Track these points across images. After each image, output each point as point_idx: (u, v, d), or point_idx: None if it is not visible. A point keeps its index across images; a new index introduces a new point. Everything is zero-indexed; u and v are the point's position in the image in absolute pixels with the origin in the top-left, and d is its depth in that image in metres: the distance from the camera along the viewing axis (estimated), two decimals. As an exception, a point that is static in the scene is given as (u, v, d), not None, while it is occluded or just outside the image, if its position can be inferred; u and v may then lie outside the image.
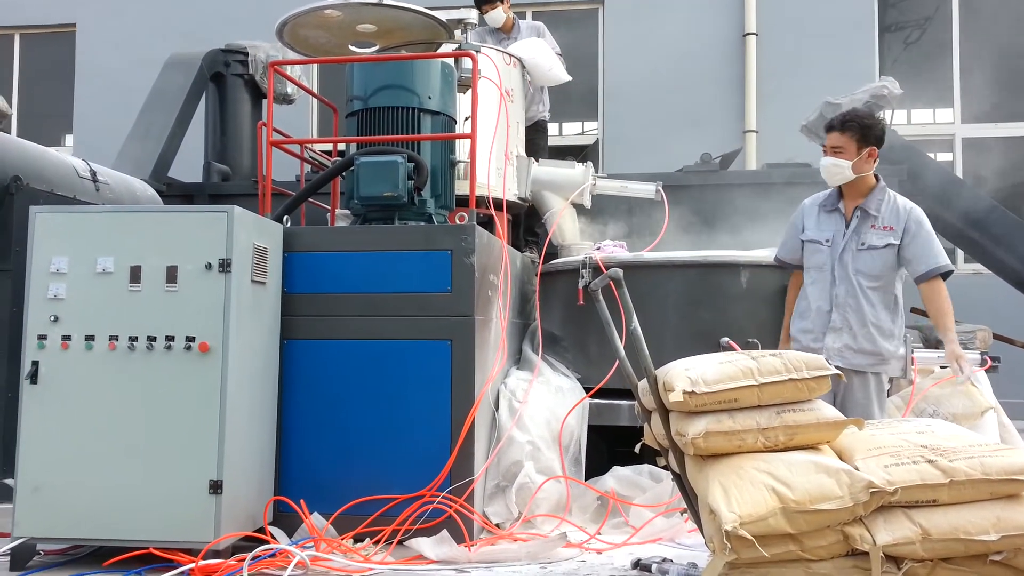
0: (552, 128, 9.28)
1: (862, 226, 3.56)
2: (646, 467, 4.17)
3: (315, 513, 3.66)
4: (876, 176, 3.62)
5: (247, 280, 3.51)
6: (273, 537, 3.52)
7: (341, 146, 5.18)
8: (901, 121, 9.12)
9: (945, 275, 3.57)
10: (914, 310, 7.32)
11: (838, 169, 3.52)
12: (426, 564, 3.38)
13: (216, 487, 3.30)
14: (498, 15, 5.85)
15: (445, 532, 3.53)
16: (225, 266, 3.38)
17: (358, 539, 3.62)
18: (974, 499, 2.46)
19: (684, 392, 2.57)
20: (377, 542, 3.57)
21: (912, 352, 4.27)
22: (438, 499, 3.62)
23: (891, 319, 3.59)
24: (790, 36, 8.86)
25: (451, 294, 3.83)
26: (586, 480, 4.20)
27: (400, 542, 3.56)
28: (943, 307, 3.53)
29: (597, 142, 9.13)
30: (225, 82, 6.93)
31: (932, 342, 5.19)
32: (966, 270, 8.61)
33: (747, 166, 8.38)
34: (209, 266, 3.39)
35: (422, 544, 3.46)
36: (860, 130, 3.47)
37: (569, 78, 5.72)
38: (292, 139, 5.02)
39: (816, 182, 5.93)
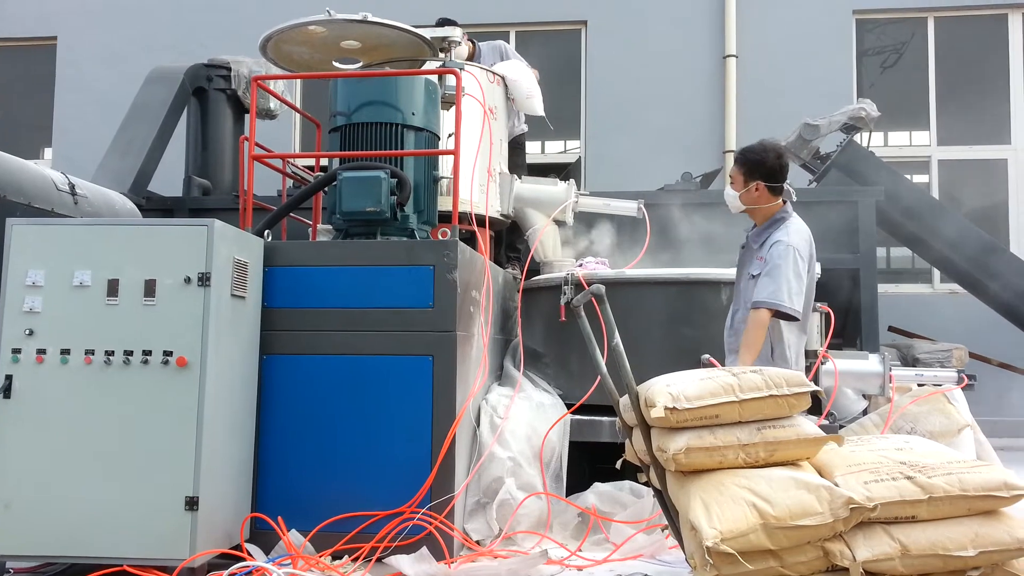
0: (535, 147, 9.35)
1: (749, 256, 3.62)
2: (627, 483, 4.16)
3: (293, 530, 3.62)
4: (786, 209, 3.57)
5: (227, 294, 3.48)
6: (250, 554, 3.47)
7: (324, 161, 5.18)
8: (879, 143, 9.26)
9: (785, 316, 3.38)
10: (891, 329, 7.44)
11: (730, 199, 3.65)
12: (405, 582, 3.35)
13: (192, 503, 3.25)
14: (461, 51, 5.79)
15: (425, 549, 3.49)
16: (204, 280, 3.35)
17: (337, 556, 3.57)
18: (952, 515, 2.47)
19: (666, 408, 2.58)
20: (356, 559, 3.53)
21: (890, 370, 4.32)
22: (418, 516, 3.59)
23: (773, 343, 3.46)
24: (769, 58, 9.00)
25: (433, 309, 3.82)
26: (567, 496, 4.18)
27: (379, 559, 3.52)
28: (750, 338, 3.35)
29: (579, 160, 9.19)
30: (207, 96, 6.90)
31: (910, 360, 5.25)
32: (942, 290, 8.72)
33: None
34: (188, 280, 3.36)
35: (401, 561, 3.42)
36: (745, 164, 3.56)
37: (543, 114, 5.76)
38: (274, 153, 5.00)
39: (798, 201, 6.01)
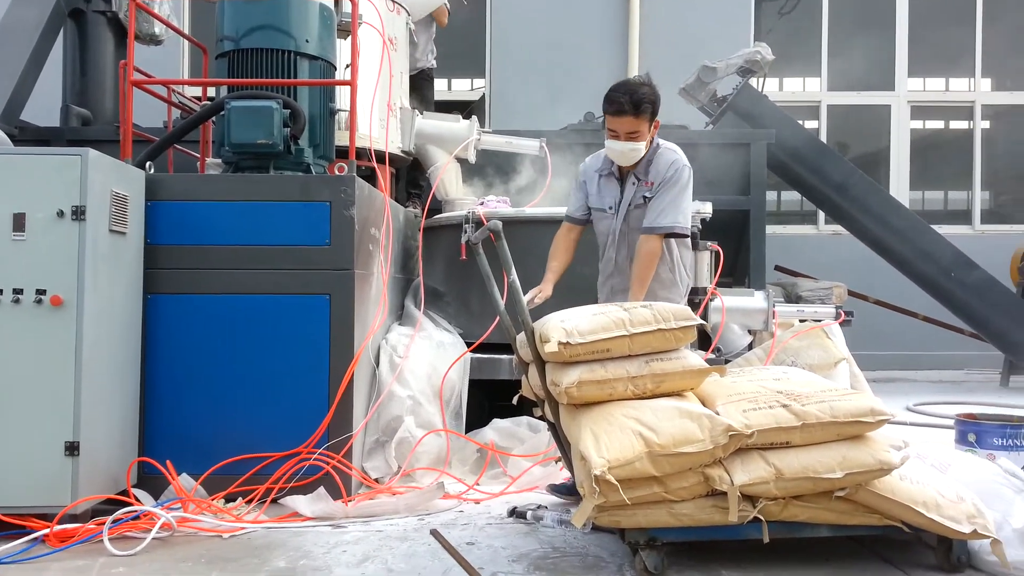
0: (442, 83, 9.17)
1: (637, 190, 3.44)
2: (525, 419, 4.25)
3: (184, 474, 3.52)
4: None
5: (104, 230, 3.29)
6: (137, 499, 3.37)
7: (212, 91, 4.91)
8: (775, 88, 9.53)
9: (677, 236, 3.41)
10: (778, 268, 7.79)
11: (635, 153, 3.33)
12: (301, 521, 3.33)
13: (72, 448, 3.11)
14: None
15: (322, 489, 3.47)
16: (79, 214, 3.15)
17: (230, 499, 3.51)
18: (824, 440, 2.64)
19: (559, 343, 2.62)
20: (250, 501, 3.49)
21: (774, 307, 4.53)
22: (314, 456, 3.56)
23: (668, 269, 3.49)
24: (671, 1, 9.06)
25: (330, 247, 3.72)
26: (467, 433, 4.24)
27: (275, 501, 3.48)
28: (645, 272, 3.32)
29: (483, 98, 9.08)
30: (85, 19, 6.38)
31: (794, 298, 5.52)
32: (827, 231, 9.17)
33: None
34: (61, 214, 3.14)
35: (297, 502, 3.40)
36: (653, 109, 3.28)
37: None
38: (156, 79, 4.70)
39: (692, 143, 6.12)
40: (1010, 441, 3.47)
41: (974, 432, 3.54)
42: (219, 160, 4.14)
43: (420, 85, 6.21)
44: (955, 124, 10.06)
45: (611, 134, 3.33)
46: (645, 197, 3.41)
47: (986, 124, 9.88)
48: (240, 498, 3.51)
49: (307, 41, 4.10)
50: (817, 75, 9.64)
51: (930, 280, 7.36)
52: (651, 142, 3.42)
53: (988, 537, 2.63)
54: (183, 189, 3.75)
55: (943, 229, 7.89)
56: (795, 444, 2.61)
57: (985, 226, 9.60)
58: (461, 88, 9.70)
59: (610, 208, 3.51)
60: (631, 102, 3.25)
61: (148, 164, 3.84)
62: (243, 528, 3.22)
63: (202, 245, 3.70)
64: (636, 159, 3.38)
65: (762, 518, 2.57)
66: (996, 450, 3.45)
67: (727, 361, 4.55)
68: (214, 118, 4.17)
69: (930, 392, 7.20)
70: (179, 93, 5.66)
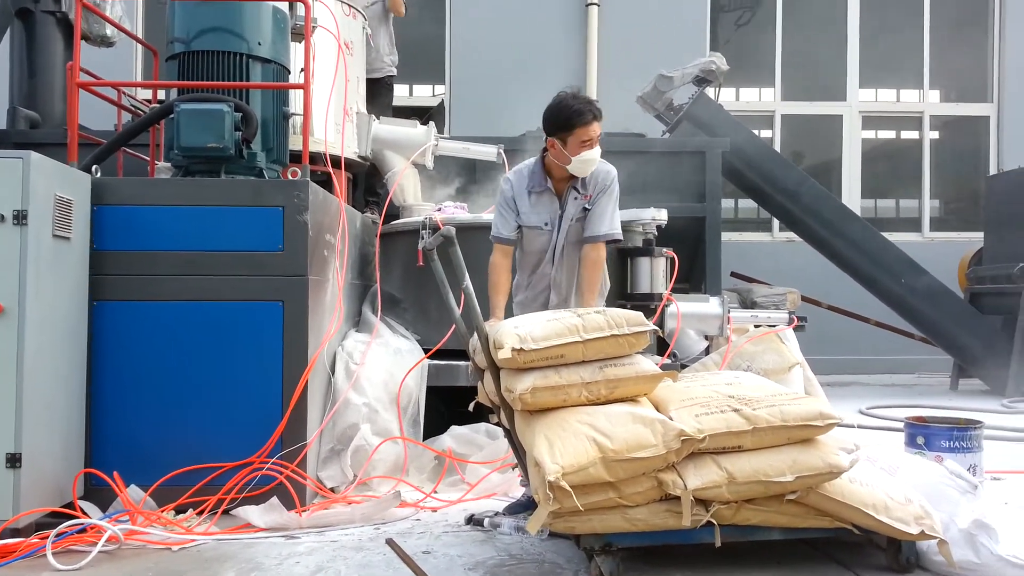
0: (404, 89, 9.13)
1: (577, 203, 3.40)
2: (483, 426, 4.23)
3: (133, 485, 3.43)
4: None
5: (47, 235, 3.19)
6: (83, 512, 3.27)
7: (163, 94, 4.81)
8: (731, 98, 9.68)
9: (611, 243, 3.45)
10: (734, 274, 7.89)
11: (596, 160, 3.30)
12: (254, 532, 3.26)
13: (14, 460, 3.01)
14: None
15: (275, 499, 3.41)
16: (20, 218, 3.05)
17: (181, 510, 3.43)
18: (774, 444, 2.66)
19: (513, 349, 2.61)
20: (201, 512, 3.41)
21: (729, 312, 4.58)
22: (267, 465, 3.49)
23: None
24: (630, 8, 9.14)
25: (283, 253, 3.67)
26: (425, 440, 4.20)
27: (227, 512, 3.41)
28: (596, 278, 3.37)
29: (442, 104, 9.06)
30: (34, 19, 6.22)
31: (749, 303, 5.59)
32: (780, 238, 9.33)
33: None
34: (2, 218, 3.05)
35: (249, 512, 3.33)
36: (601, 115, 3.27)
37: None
38: (103, 81, 4.59)
39: (649, 150, 6.18)
40: (957, 443, 3.54)
41: (923, 435, 3.60)
42: (169, 164, 4.06)
43: (380, 92, 6.17)
44: (905, 134, 10.32)
45: (584, 144, 3.25)
46: (585, 209, 3.40)
47: (935, 134, 10.16)
48: (191, 509, 3.43)
49: (260, 44, 4.04)
50: (772, 85, 9.82)
51: (881, 286, 7.52)
52: None
53: (935, 538, 2.67)
54: (131, 193, 3.66)
55: (893, 236, 8.07)
56: (747, 448, 2.63)
57: (934, 233, 9.85)
58: (423, 94, 9.67)
59: (546, 224, 3.43)
60: (593, 109, 3.25)
61: (95, 168, 3.74)
62: (193, 540, 3.14)
63: (151, 251, 3.62)
64: (593, 166, 3.35)
65: (715, 522, 2.59)
66: (944, 452, 3.51)
67: (684, 366, 4.59)
68: (164, 121, 4.09)
69: (882, 396, 7.34)
70: (130, 96, 5.55)
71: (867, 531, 2.72)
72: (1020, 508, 3.47)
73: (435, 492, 3.79)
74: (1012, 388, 7.22)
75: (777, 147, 9.41)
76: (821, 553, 2.93)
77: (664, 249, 4.58)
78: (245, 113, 3.82)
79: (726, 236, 7.22)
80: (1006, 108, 9.79)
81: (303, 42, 4.15)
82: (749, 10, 9.98)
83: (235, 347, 3.63)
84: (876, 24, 9.87)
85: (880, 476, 2.87)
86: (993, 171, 9.59)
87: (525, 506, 3.49)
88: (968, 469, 3.29)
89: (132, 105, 5.41)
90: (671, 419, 2.58)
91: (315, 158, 4.57)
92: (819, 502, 2.65)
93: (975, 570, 2.66)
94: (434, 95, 9.53)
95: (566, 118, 3.24)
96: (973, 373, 7.82)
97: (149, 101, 5.12)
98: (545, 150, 3.38)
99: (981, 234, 8.47)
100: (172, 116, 3.80)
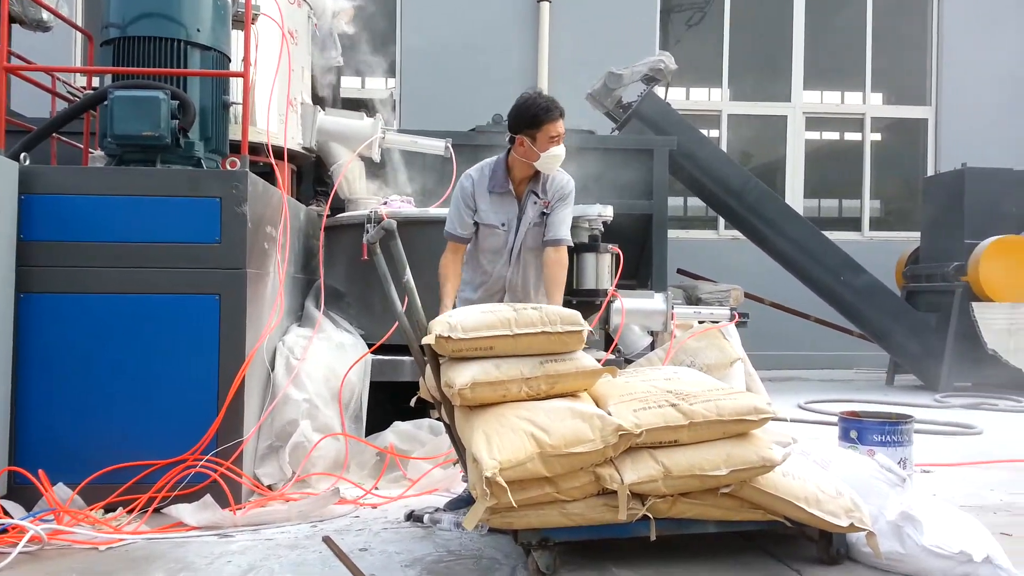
0: (355, 81, 9.00)
1: (536, 208, 3.45)
2: (427, 422, 4.20)
3: (60, 483, 3.31)
4: None
5: (-31, 223, 3.07)
6: (6, 512, 3.15)
7: (97, 80, 4.66)
8: (681, 98, 9.79)
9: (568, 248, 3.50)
10: (680, 271, 7.99)
11: (562, 156, 3.35)
12: (186, 531, 3.18)
13: (-70, 459, 2.89)
14: None
15: (208, 497, 3.32)
16: (-61, 206, 2.93)
17: (110, 509, 3.33)
18: (710, 438, 2.69)
19: (439, 336, 2.60)
20: (131, 511, 3.31)
21: (672, 308, 4.63)
22: (201, 462, 3.41)
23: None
24: (582, 6, 9.17)
25: (220, 245, 3.58)
26: (368, 436, 4.15)
27: (158, 510, 3.32)
28: (562, 277, 3.42)
29: (391, 96, 8.98)
30: (-40, -1, 5.97)
31: (694, 300, 5.66)
32: (726, 236, 9.47)
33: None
34: (-82, 206, 2.92)
35: (182, 511, 3.24)
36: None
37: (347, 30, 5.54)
38: (33, 66, 4.43)
39: (598, 148, 6.21)
40: (888, 437, 3.63)
41: (855, 429, 3.68)
42: (103, 152, 3.93)
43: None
44: (848, 135, 10.57)
45: (552, 140, 3.30)
46: (543, 214, 3.45)
47: (876, 136, 10.43)
48: (121, 508, 3.33)
49: (198, 31, 3.93)
50: (719, 85, 9.96)
51: (821, 284, 7.69)
52: None
53: (865, 530, 2.73)
54: (61, 182, 3.54)
55: (834, 235, 8.26)
56: (683, 442, 2.66)
57: (874, 233, 10.11)
58: (376, 87, 9.57)
59: (503, 225, 3.44)
60: (559, 106, 3.31)
61: (23, 155, 3.60)
62: (121, 540, 3.05)
63: (81, 242, 3.50)
64: (559, 163, 3.39)
65: (651, 516, 2.61)
66: (876, 446, 3.60)
67: (628, 362, 4.62)
68: (100, 109, 3.95)
69: (821, 390, 7.52)
70: (66, 83, 5.37)
71: (799, 524, 2.76)
72: (947, 500, 3.57)
73: (376, 489, 3.75)
74: (945, 383, 7.47)
75: (724, 147, 9.55)
76: (755, 546, 2.97)
77: (610, 245, 4.60)
78: (182, 101, 3.72)
79: (673, 234, 7.30)
80: (943, 111, 10.10)
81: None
82: (700, 11, 10.11)
83: (169, 342, 3.54)
84: (820, 28, 10.08)
85: (813, 470, 2.92)
86: (931, 172, 9.89)
87: (467, 501, 3.47)
88: (898, 463, 3.38)
89: (68, 92, 5.24)
90: (610, 414, 2.59)
91: (257, 149, 4.47)
92: (753, 495, 2.69)
93: (901, 560, 2.72)
94: (388, 88, 9.44)
95: (534, 115, 3.28)
96: (908, 369, 8.05)
97: (85, 88, 4.95)
98: (509, 151, 3.39)
99: (918, 234, 8.73)
100: (106, 103, 3.68)
